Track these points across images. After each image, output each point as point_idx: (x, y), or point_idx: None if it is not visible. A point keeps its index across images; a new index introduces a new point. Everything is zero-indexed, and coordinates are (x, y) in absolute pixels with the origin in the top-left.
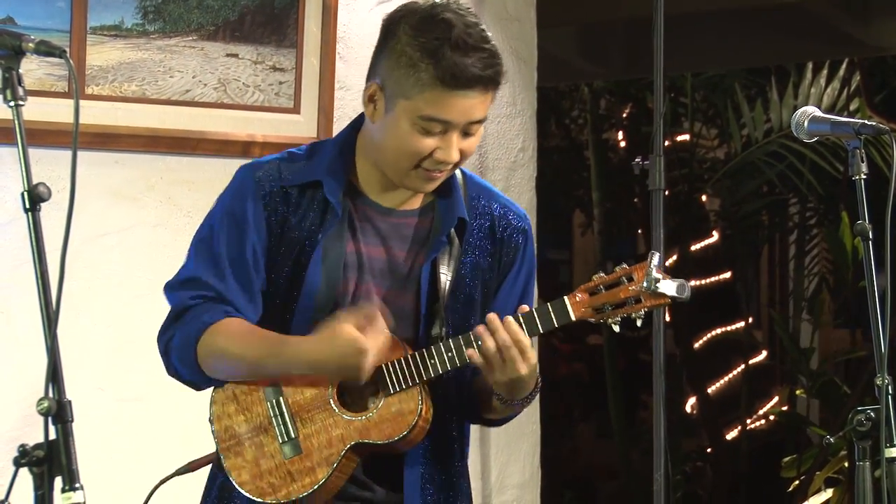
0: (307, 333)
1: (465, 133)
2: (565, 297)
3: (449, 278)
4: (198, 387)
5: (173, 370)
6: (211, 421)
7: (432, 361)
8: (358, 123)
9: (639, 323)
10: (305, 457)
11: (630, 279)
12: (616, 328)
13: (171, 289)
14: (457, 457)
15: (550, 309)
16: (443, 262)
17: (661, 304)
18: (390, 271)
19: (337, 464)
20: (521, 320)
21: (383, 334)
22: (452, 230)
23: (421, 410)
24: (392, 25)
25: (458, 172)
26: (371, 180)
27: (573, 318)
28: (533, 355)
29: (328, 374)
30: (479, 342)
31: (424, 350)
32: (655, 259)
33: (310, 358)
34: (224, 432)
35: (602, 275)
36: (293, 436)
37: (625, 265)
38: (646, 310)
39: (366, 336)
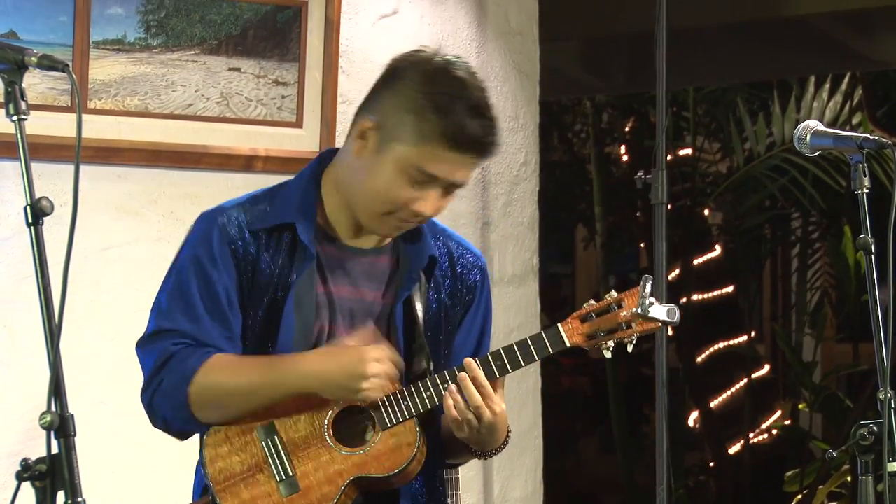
0: None
1: (445, 192)
2: (559, 325)
3: (423, 313)
4: (185, 435)
5: (161, 421)
6: (203, 465)
7: (428, 394)
8: (324, 159)
9: (629, 349)
10: (303, 494)
11: (620, 305)
12: (608, 354)
13: (143, 345)
14: (444, 497)
15: (545, 336)
16: (416, 299)
17: (652, 329)
18: (361, 311)
19: (336, 500)
20: (517, 349)
21: (389, 355)
22: (421, 270)
23: (419, 443)
24: (401, 67)
25: None
26: (339, 219)
27: (568, 344)
28: (500, 403)
29: (328, 390)
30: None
31: (419, 383)
32: (648, 285)
33: (310, 370)
34: (219, 474)
35: (593, 302)
36: (290, 474)
37: (614, 293)
38: (637, 335)
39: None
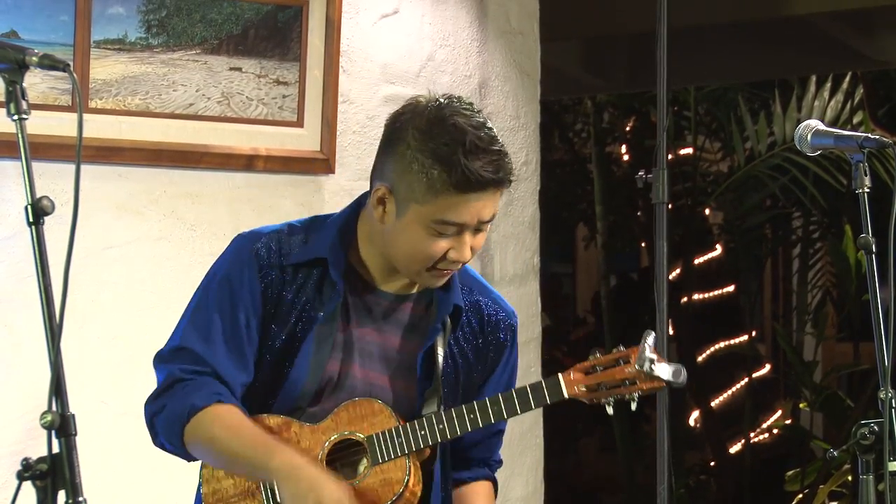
0: (289, 411)
1: (476, 230)
2: (560, 375)
3: (443, 358)
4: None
5: (159, 443)
6: (200, 484)
7: (422, 433)
8: (360, 204)
9: (633, 406)
10: None
11: (626, 361)
12: (610, 409)
13: (160, 360)
14: None
15: (544, 386)
16: (439, 344)
17: (656, 389)
18: (381, 355)
19: None
20: (515, 397)
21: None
22: (447, 316)
23: (408, 482)
24: (398, 128)
25: None
26: (372, 265)
27: (566, 395)
28: None
29: (288, 497)
30: None
31: (416, 421)
32: (650, 339)
33: (288, 477)
34: (212, 495)
35: (598, 355)
36: (279, 501)
37: (621, 347)
38: (640, 392)
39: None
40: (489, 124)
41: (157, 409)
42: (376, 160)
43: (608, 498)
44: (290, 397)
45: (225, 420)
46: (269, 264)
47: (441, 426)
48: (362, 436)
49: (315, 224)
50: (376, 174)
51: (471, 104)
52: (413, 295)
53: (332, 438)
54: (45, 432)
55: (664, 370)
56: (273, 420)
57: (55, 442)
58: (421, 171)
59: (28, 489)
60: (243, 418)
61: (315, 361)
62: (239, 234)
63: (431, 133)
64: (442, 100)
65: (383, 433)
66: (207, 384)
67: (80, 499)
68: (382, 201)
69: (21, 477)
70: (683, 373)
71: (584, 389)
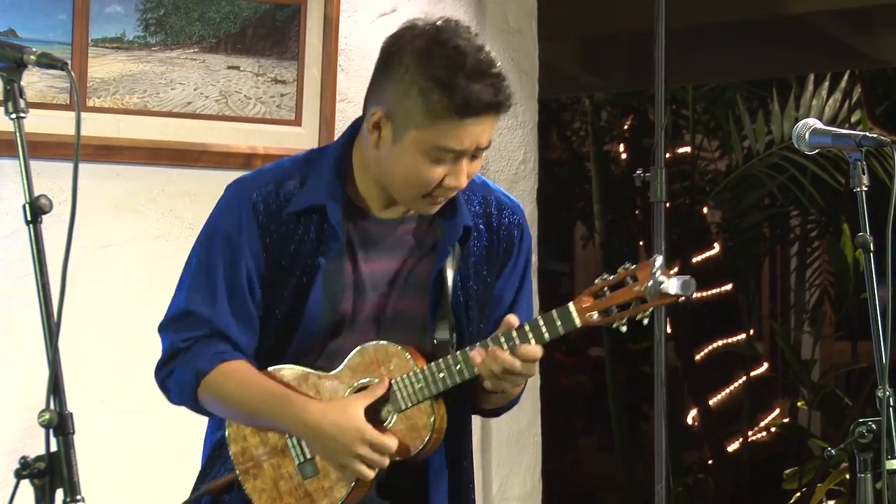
0: (306, 358)
1: (473, 157)
2: (570, 304)
3: (453, 283)
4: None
5: (174, 402)
6: (227, 443)
7: (441, 376)
8: (353, 133)
9: (645, 322)
10: (323, 476)
11: (634, 279)
12: (623, 328)
13: (163, 329)
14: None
15: (556, 316)
16: (448, 267)
17: (666, 303)
18: (394, 281)
19: (355, 481)
20: (529, 330)
21: (386, 445)
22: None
23: (434, 422)
24: (395, 50)
25: None
26: (371, 195)
27: (578, 323)
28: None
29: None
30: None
31: (434, 364)
32: (659, 260)
33: (308, 422)
34: (241, 455)
35: (606, 276)
36: (310, 456)
37: (628, 264)
38: (652, 308)
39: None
40: (487, 47)
41: (165, 375)
42: (371, 83)
43: (606, 496)
44: (305, 340)
45: (233, 377)
46: (268, 216)
47: (458, 366)
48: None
49: (311, 161)
50: (372, 98)
51: (468, 27)
52: (415, 216)
53: (355, 385)
54: (43, 431)
55: (673, 284)
56: (290, 372)
57: (53, 440)
58: (420, 95)
59: (26, 487)
60: (251, 372)
61: (326, 304)
62: (234, 182)
63: (431, 55)
64: (440, 22)
65: (403, 378)
66: (209, 346)
67: (78, 497)
68: (378, 126)
69: (19, 475)
70: (692, 284)
71: (595, 316)
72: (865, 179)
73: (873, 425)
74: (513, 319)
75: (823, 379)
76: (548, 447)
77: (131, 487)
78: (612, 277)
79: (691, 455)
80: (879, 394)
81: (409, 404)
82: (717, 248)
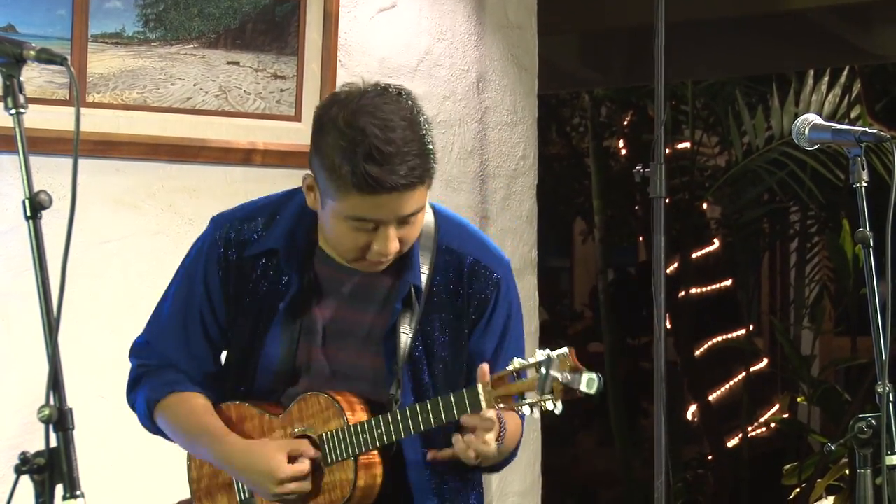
0: (271, 396)
1: (401, 223)
2: (479, 386)
3: (409, 339)
4: None
5: (142, 425)
6: (187, 462)
7: (379, 432)
8: None
9: (556, 411)
10: None
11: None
12: (536, 414)
13: (130, 352)
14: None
15: (465, 398)
16: (403, 322)
17: (569, 398)
18: (353, 333)
19: None
20: (440, 406)
21: (307, 466)
22: (413, 292)
23: (354, 480)
24: (323, 120)
25: (430, 214)
26: None
27: (484, 406)
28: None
29: (245, 483)
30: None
31: (373, 420)
32: (556, 355)
33: (233, 464)
34: (196, 482)
35: (521, 362)
36: (248, 496)
37: (547, 350)
38: (560, 400)
39: (290, 465)
40: (416, 118)
41: (132, 401)
42: (310, 145)
43: (606, 492)
44: (266, 381)
45: (179, 409)
46: (231, 257)
47: (380, 431)
48: (314, 434)
49: (282, 204)
50: (310, 159)
51: (399, 95)
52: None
53: (294, 432)
54: (42, 426)
55: (577, 381)
56: (238, 410)
57: (53, 436)
58: (331, 169)
59: (26, 483)
60: (194, 406)
61: (283, 348)
62: (213, 216)
63: (344, 132)
64: (369, 90)
65: (330, 434)
66: (161, 375)
67: (78, 493)
68: (311, 189)
69: (19, 471)
70: (597, 382)
71: (500, 405)
72: (865, 175)
73: (873, 421)
74: (484, 368)
75: (823, 374)
76: (547, 443)
77: (131, 483)
78: (522, 364)
79: (691, 450)
80: (879, 389)
81: (335, 459)
82: (716, 243)
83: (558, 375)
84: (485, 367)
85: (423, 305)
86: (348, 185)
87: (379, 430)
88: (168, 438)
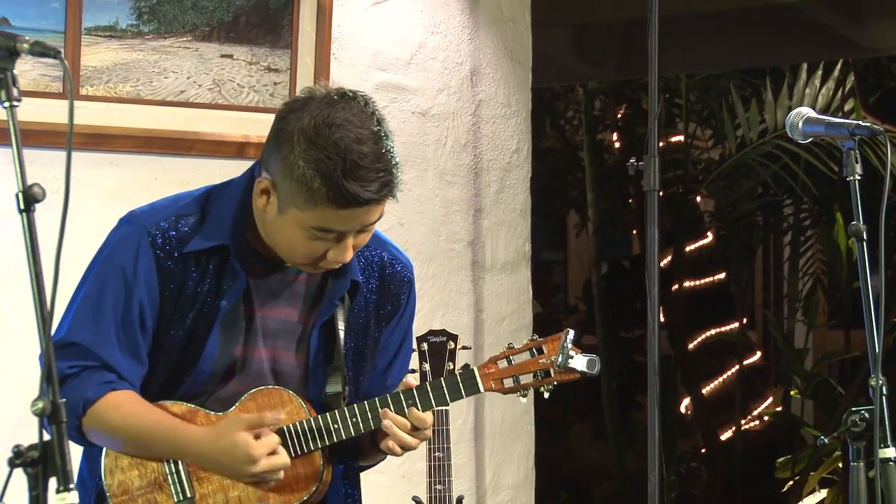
0: (195, 400)
1: (360, 232)
2: (475, 368)
3: (344, 337)
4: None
5: None
6: (102, 475)
7: (335, 427)
8: (252, 178)
9: (546, 395)
10: None
11: (540, 351)
12: (524, 400)
13: (56, 355)
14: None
15: (460, 380)
16: (339, 319)
17: (570, 379)
18: (284, 332)
19: None
20: (430, 392)
21: (277, 437)
22: (348, 290)
23: (322, 475)
24: (286, 128)
25: None
26: (269, 244)
27: (482, 389)
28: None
29: (215, 471)
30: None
31: (329, 415)
32: (570, 335)
33: (200, 452)
34: (117, 487)
35: (513, 346)
36: (189, 495)
37: (536, 337)
38: (555, 384)
39: (259, 440)
40: (382, 130)
41: None
42: (265, 147)
43: (599, 485)
44: (197, 383)
45: (123, 407)
46: (167, 253)
47: (354, 420)
48: (275, 427)
49: (211, 199)
50: (264, 162)
51: (365, 104)
52: None
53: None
54: (36, 419)
55: (580, 362)
56: (178, 408)
57: (46, 429)
58: (302, 180)
59: (19, 476)
60: (141, 402)
61: (222, 347)
62: (129, 214)
63: (315, 143)
64: (335, 97)
65: (296, 426)
66: (96, 375)
67: (71, 486)
68: (266, 193)
69: (12, 464)
70: (597, 364)
71: (499, 382)
72: (859, 168)
73: (866, 414)
74: (410, 382)
75: (816, 368)
76: (541, 436)
77: None
78: (517, 347)
79: (684, 444)
80: (872, 382)
81: (299, 452)
82: (710, 236)
83: (571, 354)
84: (409, 379)
85: (354, 302)
86: (322, 199)
87: (355, 419)
88: (87, 443)
